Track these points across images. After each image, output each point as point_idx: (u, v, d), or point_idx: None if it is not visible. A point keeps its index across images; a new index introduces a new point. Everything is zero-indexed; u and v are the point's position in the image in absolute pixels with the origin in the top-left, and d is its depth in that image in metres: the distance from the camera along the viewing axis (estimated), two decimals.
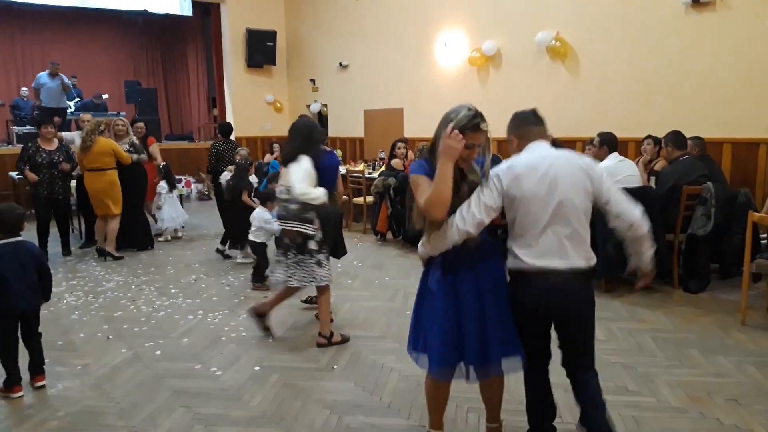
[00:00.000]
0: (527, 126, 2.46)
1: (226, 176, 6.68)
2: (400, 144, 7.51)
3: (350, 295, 5.27)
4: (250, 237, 5.56)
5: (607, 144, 5.23)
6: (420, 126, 9.79)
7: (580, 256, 2.34)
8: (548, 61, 7.87)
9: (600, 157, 5.28)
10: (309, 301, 4.92)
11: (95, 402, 3.30)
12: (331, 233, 4.29)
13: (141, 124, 7.80)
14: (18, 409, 3.24)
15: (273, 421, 3.06)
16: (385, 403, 3.22)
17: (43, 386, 3.45)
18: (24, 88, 12.89)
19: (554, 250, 2.30)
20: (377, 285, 5.61)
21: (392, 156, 7.55)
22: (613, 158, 5.21)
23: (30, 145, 6.60)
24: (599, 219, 4.99)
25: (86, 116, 7.50)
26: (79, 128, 8.15)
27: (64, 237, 6.95)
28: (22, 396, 3.35)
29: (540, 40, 7.78)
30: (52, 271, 3.57)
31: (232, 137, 7.38)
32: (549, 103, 7.73)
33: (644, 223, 2.42)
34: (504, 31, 8.44)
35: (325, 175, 4.05)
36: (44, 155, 6.54)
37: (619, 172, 5.09)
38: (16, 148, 10.68)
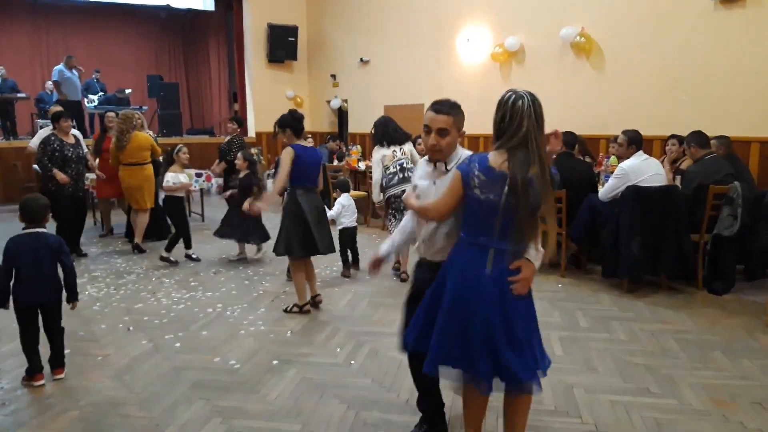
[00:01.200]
0: None
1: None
2: (419, 140, 7.45)
3: (368, 291, 5.26)
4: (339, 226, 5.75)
5: (633, 142, 5.14)
6: None
7: None
8: (573, 57, 7.78)
9: (625, 156, 5.20)
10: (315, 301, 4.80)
11: (116, 392, 3.33)
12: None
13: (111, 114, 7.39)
14: (40, 398, 3.28)
15: (291, 415, 3.06)
16: (402, 400, 3.21)
17: (61, 379, 3.47)
18: (48, 82, 13.05)
19: None
20: (395, 281, 5.59)
21: None
22: (639, 156, 5.12)
23: (53, 139, 6.26)
24: (623, 219, 4.95)
25: (111, 114, 7.39)
26: (102, 125, 8.22)
27: (78, 236, 6.75)
28: (43, 384, 3.40)
29: (564, 35, 7.69)
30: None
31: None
32: (573, 100, 7.65)
33: None
34: (528, 27, 8.35)
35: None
36: (70, 149, 6.30)
37: (645, 171, 5.01)
38: None
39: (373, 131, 5.67)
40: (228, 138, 7.88)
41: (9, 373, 3.56)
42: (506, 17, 8.67)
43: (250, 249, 6.54)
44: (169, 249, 6.16)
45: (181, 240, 6.26)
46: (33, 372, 3.42)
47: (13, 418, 3.07)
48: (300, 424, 2.97)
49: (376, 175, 5.49)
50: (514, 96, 2.25)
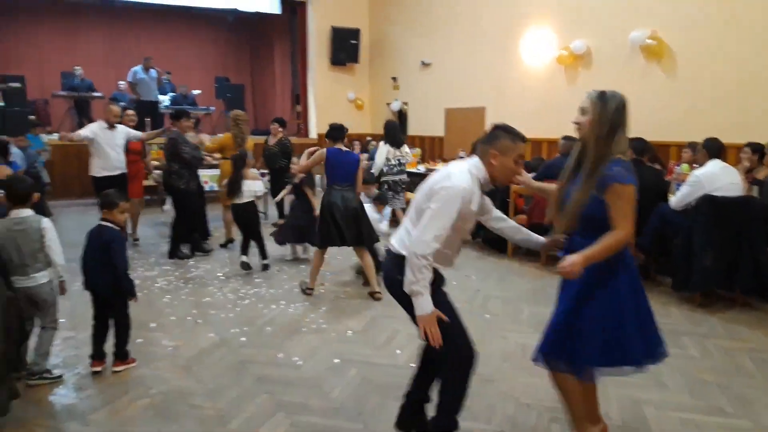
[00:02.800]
0: None
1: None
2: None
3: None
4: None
5: (708, 150, 4.93)
6: None
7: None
8: (642, 60, 7.53)
9: (698, 163, 4.99)
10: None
11: (184, 382, 3.46)
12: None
13: (131, 112, 7.19)
14: (114, 384, 3.44)
15: (352, 414, 3.10)
16: (465, 406, 3.18)
17: (116, 371, 3.58)
18: (121, 82, 13.65)
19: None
20: (456, 286, 5.55)
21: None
22: (714, 165, 4.90)
23: (180, 139, 6.29)
24: (697, 229, 4.75)
25: (116, 109, 6.75)
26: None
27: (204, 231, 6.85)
28: (98, 371, 3.56)
29: (634, 38, 7.46)
30: (137, 257, 3.75)
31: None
32: (642, 105, 7.37)
33: None
34: (595, 30, 8.15)
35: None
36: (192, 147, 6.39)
37: (720, 180, 4.80)
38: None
39: (384, 131, 7.40)
40: (275, 140, 8.03)
41: (85, 359, 3.73)
42: (573, 20, 8.48)
43: (298, 250, 6.62)
44: (245, 252, 5.96)
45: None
46: (93, 357, 3.62)
47: (89, 402, 3.23)
48: (361, 423, 3.00)
49: (379, 161, 7.43)
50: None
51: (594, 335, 2.37)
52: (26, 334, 3.36)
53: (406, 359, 3.81)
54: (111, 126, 6.37)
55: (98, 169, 6.38)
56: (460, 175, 2.36)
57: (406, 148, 7.32)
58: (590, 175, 2.31)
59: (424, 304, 2.33)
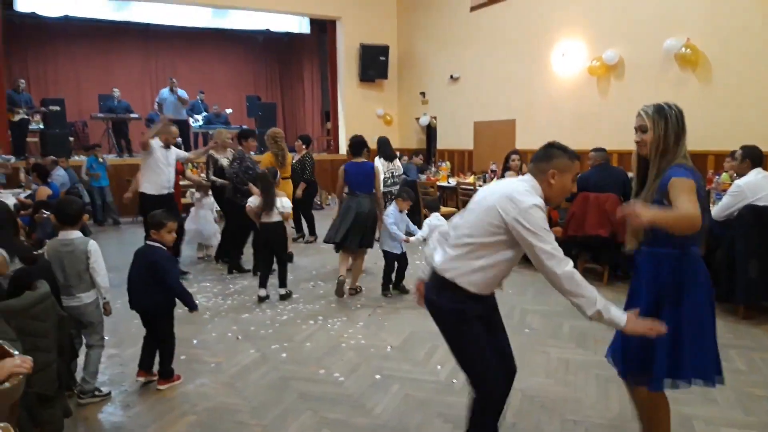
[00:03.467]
0: None
1: None
2: (514, 156, 7.39)
3: None
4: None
5: (750, 157, 4.83)
6: (533, 137, 9.55)
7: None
8: (677, 70, 7.44)
9: (741, 172, 4.89)
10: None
11: (229, 399, 3.50)
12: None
13: (176, 129, 6.86)
14: (160, 401, 3.50)
15: (396, 431, 3.09)
16: (509, 423, 3.15)
17: (160, 390, 3.64)
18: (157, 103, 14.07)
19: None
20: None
21: (506, 168, 7.44)
22: (756, 174, 4.80)
23: (247, 159, 6.54)
24: (740, 240, 4.65)
25: (175, 129, 6.86)
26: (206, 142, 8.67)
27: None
28: (143, 381, 3.67)
29: (668, 47, 7.38)
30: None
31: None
32: None
33: None
34: (628, 39, 8.09)
35: None
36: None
37: (763, 189, 4.70)
38: None
39: (377, 147, 7.60)
40: (299, 157, 8.14)
41: (131, 376, 3.81)
42: (604, 30, 8.43)
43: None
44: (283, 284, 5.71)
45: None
46: (139, 367, 3.72)
47: (137, 420, 3.29)
48: None
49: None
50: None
51: (683, 346, 2.35)
52: (75, 353, 3.44)
53: (447, 375, 3.80)
54: (167, 146, 6.49)
55: (150, 186, 6.43)
56: (527, 194, 2.26)
57: (397, 162, 7.62)
58: (653, 184, 2.35)
59: (616, 318, 2.13)
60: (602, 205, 5.75)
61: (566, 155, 2.36)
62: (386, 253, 5.63)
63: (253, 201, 5.61)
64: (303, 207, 8.22)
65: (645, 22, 7.81)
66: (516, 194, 2.24)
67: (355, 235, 5.56)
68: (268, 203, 5.52)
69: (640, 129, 2.42)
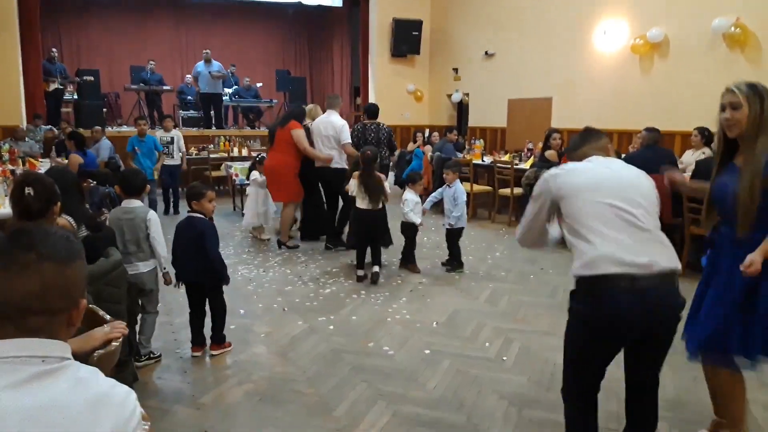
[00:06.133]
0: None
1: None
2: (555, 135, 7.27)
3: (506, 288, 5.22)
4: (405, 218, 5.60)
5: None
6: (571, 116, 9.41)
7: None
8: (725, 49, 7.24)
9: None
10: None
11: (284, 368, 3.55)
12: None
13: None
14: (216, 369, 3.57)
15: (453, 405, 3.11)
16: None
17: (213, 355, 3.73)
18: (188, 76, 14.05)
19: None
20: (533, 280, 5.51)
21: (546, 147, 7.34)
22: None
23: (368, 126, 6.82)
24: None
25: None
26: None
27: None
28: (197, 356, 3.71)
29: (716, 26, 7.18)
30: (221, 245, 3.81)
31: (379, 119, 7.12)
32: None
33: None
34: (674, 17, 7.88)
35: None
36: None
37: None
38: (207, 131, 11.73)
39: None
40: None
41: (183, 343, 3.88)
42: (649, 7, 8.22)
43: None
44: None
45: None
46: (193, 342, 3.76)
47: (195, 386, 3.35)
48: (464, 415, 3.01)
49: None
50: None
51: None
52: (136, 319, 3.51)
53: (496, 352, 3.80)
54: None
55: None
56: None
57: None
58: (757, 169, 2.26)
59: None
60: None
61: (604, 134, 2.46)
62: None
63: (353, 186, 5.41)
64: None
65: (693, 0, 7.60)
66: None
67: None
68: (374, 194, 5.28)
69: (731, 106, 2.32)
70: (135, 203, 3.47)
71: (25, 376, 1.00)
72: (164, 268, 3.57)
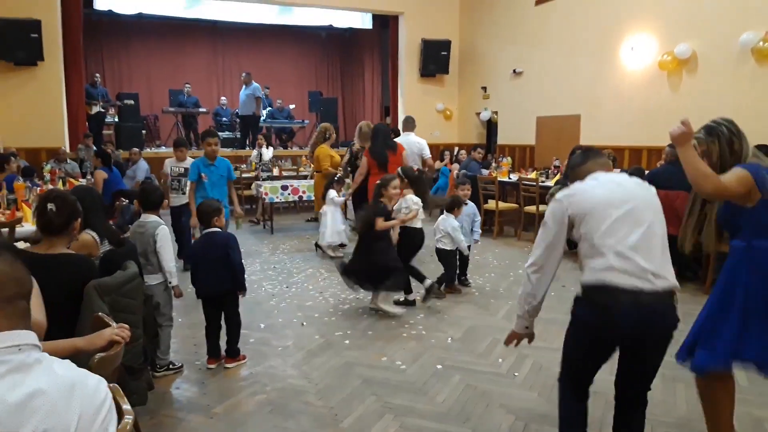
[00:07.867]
0: None
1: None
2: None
3: None
4: (437, 245, 5.53)
5: None
6: (599, 133, 9.34)
7: None
8: (753, 64, 7.13)
9: None
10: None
11: (297, 381, 3.64)
12: None
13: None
14: (233, 380, 3.68)
15: (459, 419, 3.14)
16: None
17: (227, 368, 3.82)
18: (223, 98, 14.53)
19: None
20: (554, 297, 5.44)
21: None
22: None
23: None
24: None
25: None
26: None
27: None
28: (212, 368, 3.81)
29: (745, 41, 7.09)
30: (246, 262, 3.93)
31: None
32: (754, 111, 7.00)
33: None
34: (701, 33, 7.80)
35: None
36: None
37: None
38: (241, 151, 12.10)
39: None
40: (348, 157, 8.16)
41: (204, 356, 3.98)
42: (676, 23, 8.16)
43: None
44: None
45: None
46: (209, 355, 3.88)
47: (210, 396, 3.46)
48: (470, 429, 3.04)
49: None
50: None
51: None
52: (156, 331, 3.65)
53: (508, 368, 3.82)
54: None
55: None
56: None
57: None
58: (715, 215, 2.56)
59: None
60: (672, 202, 5.59)
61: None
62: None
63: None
64: None
65: (720, 15, 7.53)
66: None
67: None
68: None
69: (701, 155, 2.46)
70: (151, 218, 3.64)
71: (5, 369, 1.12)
72: (170, 282, 3.68)
